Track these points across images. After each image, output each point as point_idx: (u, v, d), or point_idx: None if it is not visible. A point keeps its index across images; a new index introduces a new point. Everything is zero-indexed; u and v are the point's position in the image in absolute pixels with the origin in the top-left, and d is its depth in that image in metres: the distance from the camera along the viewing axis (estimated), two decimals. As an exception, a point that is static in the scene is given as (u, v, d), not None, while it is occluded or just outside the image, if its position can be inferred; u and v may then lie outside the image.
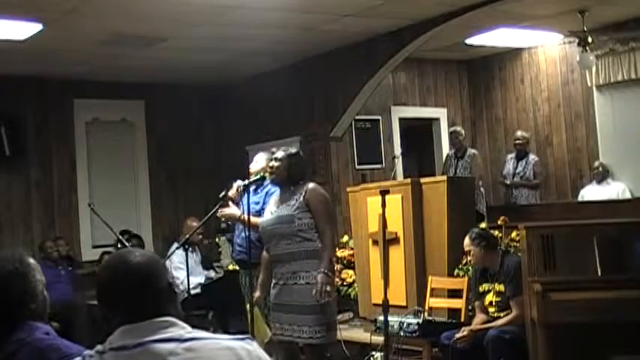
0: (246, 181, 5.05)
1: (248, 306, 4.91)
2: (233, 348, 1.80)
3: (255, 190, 5.32)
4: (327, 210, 4.63)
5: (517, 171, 8.75)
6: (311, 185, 4.68)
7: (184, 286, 6.97)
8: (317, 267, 4.50)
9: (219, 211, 5.17)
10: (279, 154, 4.75)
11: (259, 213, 4.98)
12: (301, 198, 4.60)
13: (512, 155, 8.92)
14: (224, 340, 1.82)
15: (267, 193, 5.13)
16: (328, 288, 4.44)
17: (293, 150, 4.83)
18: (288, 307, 4.58)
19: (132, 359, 1.73)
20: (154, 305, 1.82)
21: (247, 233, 4.85)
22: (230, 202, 5.31)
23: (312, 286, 4.47)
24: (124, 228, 8.17)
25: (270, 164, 4.78)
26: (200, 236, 8.01)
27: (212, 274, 8.25)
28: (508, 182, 8.81)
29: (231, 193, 5.32)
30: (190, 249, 7.71)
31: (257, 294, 4.84)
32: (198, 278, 7.78)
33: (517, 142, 8.81)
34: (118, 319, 1.81)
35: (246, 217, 4.80)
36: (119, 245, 7.18)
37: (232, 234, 5.83)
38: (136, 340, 1.75)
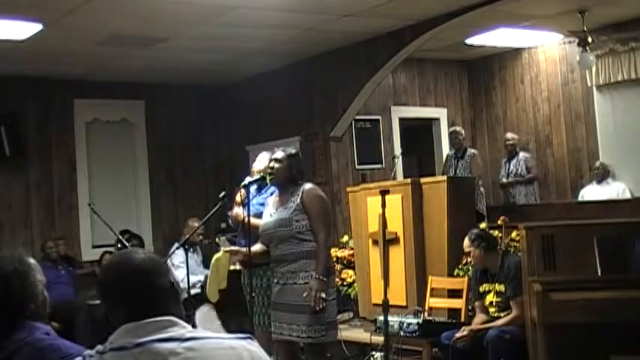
0: (247, 181, 5.04)
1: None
2: (234, 347, 1.80)
3: (260, 190, 5.31)
4: (321, 211, 4.61)
5: (510, 170, 8.87)
6: (307, 186, 4.67)
7: (184, 285, 6.97)
8: (314, 267, 4.50)
9: (229, 212, 5.18)
10: (279, 154, 4.74)
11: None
12: (298, 200, 4.60)
13: (505, 159, 9.06)
14: (225, 340, 1.82)
15: (271, 194, 5.11)
16: (323, 295, 4.44)
17: (292, 150, 4.83)
18: (288, 307, 4.58)
19: (132, 359, 1.73)
20: (156, 304, 1.82)
21: (248, 234, 4.84)
22: (238, 204, 5.30)
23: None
24: (124, 228, 8.16)
25: (270, 165, 4.78)
26: (200, 237, 8.01)
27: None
28: (503, 181, 8.89)
29: (238, 197, 5.28)
30: (191, 249, 7.71)
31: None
32: (198, 277, 7.78)
33: (507, 142, 9.03)
34: (119, 318, 1.80)
35: (248, 219, 4.81)
36: (119, 245, 7.18)
37: (235, 234, 5.82)
38: (136, 340, 1.75)
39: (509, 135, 9.11)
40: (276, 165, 4.71)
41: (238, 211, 5.24)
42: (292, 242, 4.58)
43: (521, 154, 8.95)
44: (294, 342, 4.63)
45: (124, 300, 1.82)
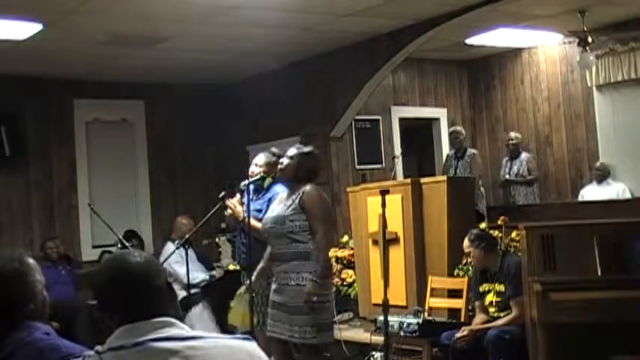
0: (246, 181, 5.03)
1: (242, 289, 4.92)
2: (233, 346, 1.82)
3: (257, 195, 5.25)
4: (321, 211, 4.58)
5: (512, 170, 8.87)
6: (308, 187, 4.64)
7: (184, 285, 6.97)
8: (307, 268, 4.48)
9: (227, 201, 5.14)
10: (292, 151, 4.70)
11: (261, 220, 4.95)
12: (297, 200, 4.57)
13: (507, 158, 9.05)
14: (224, 339, 1.84)
15: (269, 199, 5.07)
16: (315, 298, 4.44)
17: (306, 149, 4.77)
18: (282, 307, 4.59)
19: (131, 358, 1.74)
20: (153, 305, 1.83)
21: (248, 235, 4.84)
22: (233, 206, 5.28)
23: (302, 287, 4.47)
24: (125, 228, 8.16)
25: (281, 160, 4.76)
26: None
27: (215, 273, 8.25)
28: (503, 179, 8.89)
29: (236, 200, 5.24)
30: (185, 246, 7.69)
31: (253, 278, 4.82)
32: (195, 275, 7.74)
33: (510, 142, 9.03)
34: (116, 320, 1.81)
35: (247, 220, 4.81)
36: (119, 245, 7.18)
37: (235, 234, 5.81)
38: (134, 340, 1.76)
39: (512, 134, 9.09)
40: (287, 161, 4.69)
41: (237, 208, 5.18)
42: (284, 241, 4.56)
43: (524, 155, 8.93)
44: (288, 341, 4.63)
45: (120, 302, 1.83)
